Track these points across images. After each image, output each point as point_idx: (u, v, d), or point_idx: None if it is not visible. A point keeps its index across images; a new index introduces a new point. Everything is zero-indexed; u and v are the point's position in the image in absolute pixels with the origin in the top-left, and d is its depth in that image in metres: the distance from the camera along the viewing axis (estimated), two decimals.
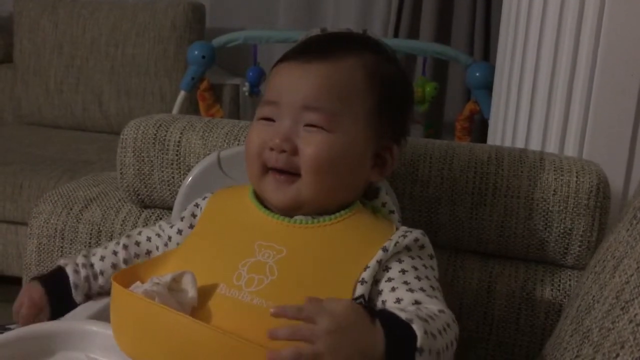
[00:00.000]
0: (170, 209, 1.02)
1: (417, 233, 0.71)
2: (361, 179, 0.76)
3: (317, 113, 0.72)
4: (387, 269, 0.68)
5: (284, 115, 0.73)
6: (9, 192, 1.86)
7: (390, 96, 0.77)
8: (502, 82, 1.35)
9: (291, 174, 0.72)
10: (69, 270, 0.79)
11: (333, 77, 0.73)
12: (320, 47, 0.77)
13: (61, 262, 0.81)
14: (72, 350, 0.71)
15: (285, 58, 0.77)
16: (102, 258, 0.81)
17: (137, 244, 0.83)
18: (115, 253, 0.82)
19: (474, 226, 0.95)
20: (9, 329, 0.73)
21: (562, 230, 0.92)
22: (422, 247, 0.72)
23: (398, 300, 0.65)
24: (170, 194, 1.03)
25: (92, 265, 0.80)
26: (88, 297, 0.80)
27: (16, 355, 0.69)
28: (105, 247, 0.83)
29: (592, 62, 1.10)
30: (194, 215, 0.81)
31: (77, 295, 0.79)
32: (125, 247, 0.82)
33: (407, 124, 0.81)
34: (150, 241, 0.83)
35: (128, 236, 0.84)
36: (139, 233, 0.84)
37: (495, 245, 0.96)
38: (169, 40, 2.29)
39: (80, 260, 0.81)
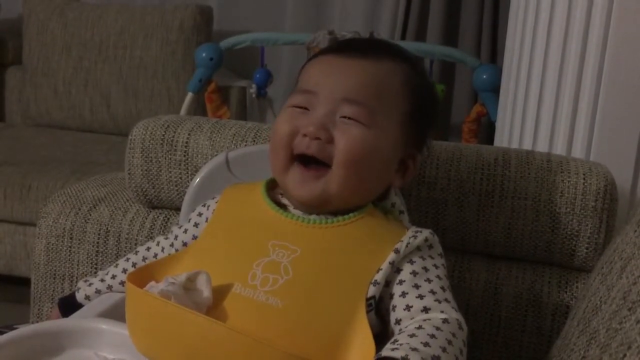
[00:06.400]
0: (178, 209, 1.03)
1: (426, 233, 0.72)
2: (385, 181, 0.76)
3: (357, 107, 0.72)
4: (398, 270, 0.68)
5: (321, 105, 0.73)
6: (17, 193, 1.88)
7: (422, 105, 0.78)
8: (510, 84, 1.35)
9: (320, 165, 0.71)
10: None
11: (374, 75, 0.74)
12: (360, 47, 0.78)
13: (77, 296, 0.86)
14: (81, 348, 0.71)
15: (323, 53, 0.78)
16: (114, 277, 0.85)
17: (144, 259, 0.84)
18: (124, 271, 0.84)
19: (480, 228, 0.95)
20: (16, 329, 0.73)
21: (569, 232, 0.92)
22: (431, 246, 0.72)
23: (408, 308, 0.65)
24: (178, 194, 1.03)
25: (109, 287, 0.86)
26: None
27: (25, 352, 0.70)
28: (116, 265, 0.86)
29: (600, 63, 1.10)
30: (199, 214, 0.81)
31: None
32: (134, 265, 0.85)
33: (430, 135, 0.82)
34: (155, 257, 0.84)
35: (136, 252, 0.86)
36: (147, 249, 0.85)
37: (502, 247, 0.96)
38: (177, 43, 2.30)
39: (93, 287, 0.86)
